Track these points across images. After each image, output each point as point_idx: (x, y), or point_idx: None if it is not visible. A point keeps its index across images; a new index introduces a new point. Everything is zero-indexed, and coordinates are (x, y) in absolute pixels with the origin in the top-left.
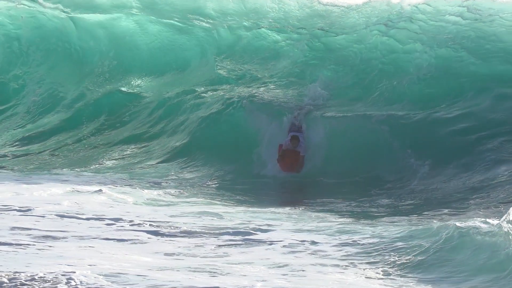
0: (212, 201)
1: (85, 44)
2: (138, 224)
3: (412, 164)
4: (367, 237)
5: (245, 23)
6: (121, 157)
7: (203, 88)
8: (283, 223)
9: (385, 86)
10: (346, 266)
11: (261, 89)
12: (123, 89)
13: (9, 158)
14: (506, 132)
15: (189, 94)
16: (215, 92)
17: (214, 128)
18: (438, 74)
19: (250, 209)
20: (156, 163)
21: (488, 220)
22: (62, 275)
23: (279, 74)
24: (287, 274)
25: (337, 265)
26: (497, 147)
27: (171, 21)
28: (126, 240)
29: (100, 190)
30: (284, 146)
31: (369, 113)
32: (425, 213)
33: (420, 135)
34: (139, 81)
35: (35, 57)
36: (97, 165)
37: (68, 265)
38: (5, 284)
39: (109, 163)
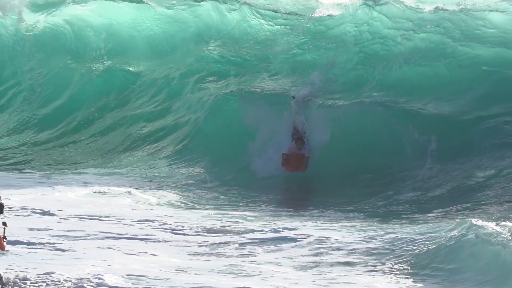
0: (233, 201)
1: None
2: (162, 225)
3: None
4: (388, 234)
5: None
6: (134, 155)
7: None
8: (306, 222)
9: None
10: (374, 265)
11: (258, 79)
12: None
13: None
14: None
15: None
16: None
17: (217, 124)
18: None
19: (271, 208)
20: (170, 163)
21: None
22: (85, 277)
23: (273, 63)
24: (316, 275)
25: (365, 264)
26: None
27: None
28: (150, 240)
29: (127, 192)
30: (288, 151)
31: (379, 100)
32: (444, 209)
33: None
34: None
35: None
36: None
37: (92, 265)
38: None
39: (121, 163)
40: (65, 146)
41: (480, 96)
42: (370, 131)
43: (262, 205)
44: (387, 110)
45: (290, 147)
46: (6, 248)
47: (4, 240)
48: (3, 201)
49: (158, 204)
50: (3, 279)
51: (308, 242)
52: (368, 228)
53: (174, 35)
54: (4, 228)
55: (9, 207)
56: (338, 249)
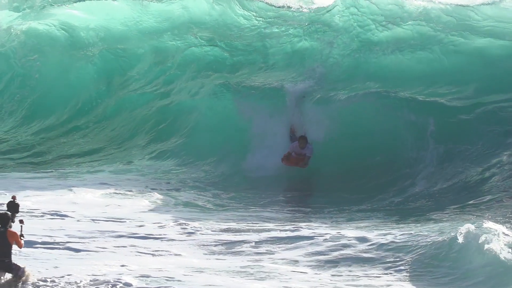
0: (248, 201)
1: None
2: (178, 225)
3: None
4: (402, 234)
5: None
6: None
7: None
8: (318, 220)
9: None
10: (392, 262)
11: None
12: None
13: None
14: None
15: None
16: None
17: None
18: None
19: (286, 207)
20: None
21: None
22: (102, 279)
23: (267, 58)
24: (336, 276)
25: (382, 262)
26: None
27: None
28: (166, 240)
29: (144, 193)
30: (290, 149)
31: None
32: (454, 206)
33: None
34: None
35: None
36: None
37: (108, 266)
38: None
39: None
40: (72, 134)
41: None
42: (370, 130)
43: (278, 205)
44: (388, 103)
45: (293, 145)
46: (23, 246)
47: (22, 238)
48: (18, 202)
49: (175, 204)
50: (26, 277)
51: (325, 240)
52: (380, 226)
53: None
54: (21, 226)
55: (27, 210)
56: (354, 246)
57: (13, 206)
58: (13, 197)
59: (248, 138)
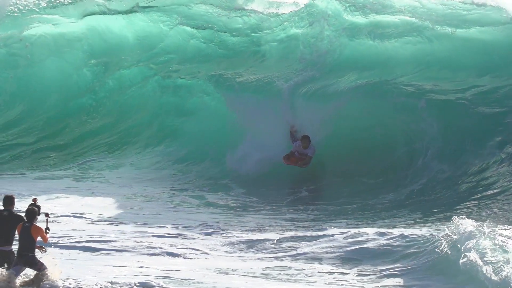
0: (269, 200)
1: None
2: (200, 226)
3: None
4: (415, 231)
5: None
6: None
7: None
8: (335, 218)
9: None
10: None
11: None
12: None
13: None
14: None
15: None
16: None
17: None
18: None
19: (301, 207)
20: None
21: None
22: (122, 280)
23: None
24: (362, 275)
25: (404, 257)
26: None
27: None
28: (187, 241)
29: (165, 194)
30: (293, 148)
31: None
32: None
33: None
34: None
35: None
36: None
37: (128, 267)
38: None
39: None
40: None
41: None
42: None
43: (298, 204)
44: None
45: (296, 145)
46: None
47: (47, 231)
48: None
49: (199, 205)
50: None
51: (345, 237)
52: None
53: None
54: (47, 219)
55: (52, 213)
56: (375, 244)
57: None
58: (34, 200)
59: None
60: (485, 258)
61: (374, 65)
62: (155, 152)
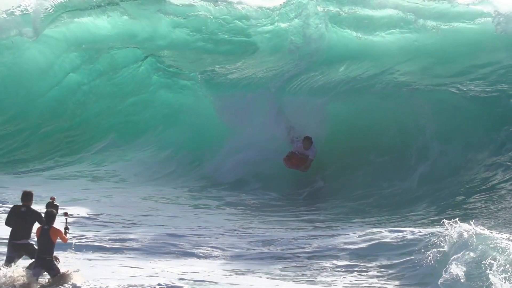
0: (284, 204)
1: None
2: (218, 228)
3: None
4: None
5: None
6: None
7: None
8: (355, 217)
9: None
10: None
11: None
12: None
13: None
14: None
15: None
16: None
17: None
18: None
19: (316, 205)
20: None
21: None
22: (137, 283)
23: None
24: (382, 272)
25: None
26: None
27: None
28: (205, 243)
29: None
30: (294, 149)
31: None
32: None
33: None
34: None
35: None
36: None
37: (143, 269)
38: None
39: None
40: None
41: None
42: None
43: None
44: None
45: (297, 145)
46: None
47: (67, 231)
48: (57, 203)
49: (217, 207)
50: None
51: (360, 235)
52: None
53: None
54: (66, 219)
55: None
56: (390, 242)
57: (52, 207)
58: (52, 198)
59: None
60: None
61: (364, 56)
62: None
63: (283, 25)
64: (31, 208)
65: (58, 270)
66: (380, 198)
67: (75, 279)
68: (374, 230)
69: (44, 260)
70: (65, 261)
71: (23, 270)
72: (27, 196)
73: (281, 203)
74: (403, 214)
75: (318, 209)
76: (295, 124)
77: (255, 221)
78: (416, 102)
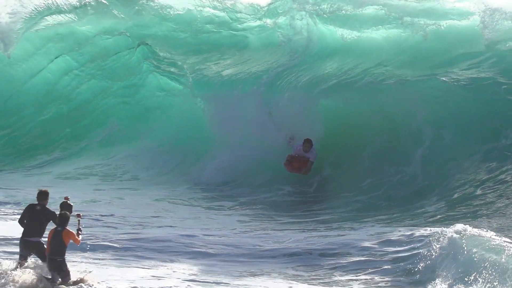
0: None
1: None
2: (231, 230)
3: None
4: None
5: None
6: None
7: None
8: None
9: None
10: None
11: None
12: None
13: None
14: None
15: None
16: None
17: None
18: None
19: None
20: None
21: None
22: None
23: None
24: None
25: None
26: None
27: None
28: (216, 240)
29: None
30: (294, 152)
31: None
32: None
33: None
34: None
35: None
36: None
37: (150, 269)
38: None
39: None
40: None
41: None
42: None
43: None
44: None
45: (297, 148)
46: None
47: (80, 232)
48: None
49: (231, 208)
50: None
51: (371, 234)
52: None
53: None
54: (79, 220)
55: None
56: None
57: (66, 207)
58: (66, 198)
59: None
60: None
61: (354, 51)
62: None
63: (271, 21)
64: (46, 207)
65: (68, 272)
66: (389, 189)
67: (91, 279)
68: (385, 229)
69: (55, 261)
70: (76, 264)
71: (33, 272)
72: (42, 195)
73: (293, 199)
74: (413, 211)
75: (330, 207)
76: (290, 124)
77: (267, 220)
78: (407, 91)
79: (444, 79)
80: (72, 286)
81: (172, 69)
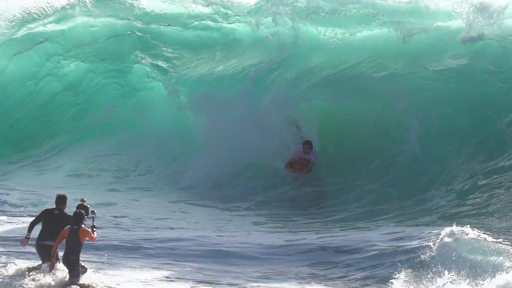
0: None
1: None
2: (240, 234)
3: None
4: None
5: None
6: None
7: None
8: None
9: None
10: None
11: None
12: None
13: None
14: None
15: None
16: None
17: None
18: None
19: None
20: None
21: None
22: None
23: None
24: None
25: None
26: None
27: None
28: (229, 242)
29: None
30: (294, 155)
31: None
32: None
33: None
34: None
35: None
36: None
37: (157, 270)
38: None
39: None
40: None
41: None
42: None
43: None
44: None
45: (297, 151)
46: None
47: (94, 228)
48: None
49: (243, 208)
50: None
51: (382, 233)
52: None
53: None
54: (93, 218)
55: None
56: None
57: (83, 209)
58: (82, 200)
59: None
60: None
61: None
62: None
63: (257, 19)
64: (64, 212)
65: (78, 273)
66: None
67: (97, 280)
68: (396, 229)
69: (69, 259)
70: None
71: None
72: (61, 200)
73: (303, 196)
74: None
75: (343, 203)
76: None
77: (282, 220)
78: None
79: (433, 70)
80: None
81: (159, 63)
